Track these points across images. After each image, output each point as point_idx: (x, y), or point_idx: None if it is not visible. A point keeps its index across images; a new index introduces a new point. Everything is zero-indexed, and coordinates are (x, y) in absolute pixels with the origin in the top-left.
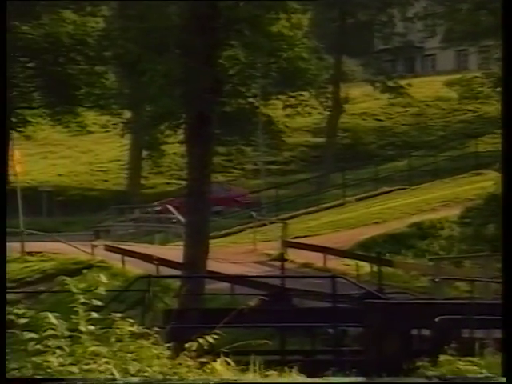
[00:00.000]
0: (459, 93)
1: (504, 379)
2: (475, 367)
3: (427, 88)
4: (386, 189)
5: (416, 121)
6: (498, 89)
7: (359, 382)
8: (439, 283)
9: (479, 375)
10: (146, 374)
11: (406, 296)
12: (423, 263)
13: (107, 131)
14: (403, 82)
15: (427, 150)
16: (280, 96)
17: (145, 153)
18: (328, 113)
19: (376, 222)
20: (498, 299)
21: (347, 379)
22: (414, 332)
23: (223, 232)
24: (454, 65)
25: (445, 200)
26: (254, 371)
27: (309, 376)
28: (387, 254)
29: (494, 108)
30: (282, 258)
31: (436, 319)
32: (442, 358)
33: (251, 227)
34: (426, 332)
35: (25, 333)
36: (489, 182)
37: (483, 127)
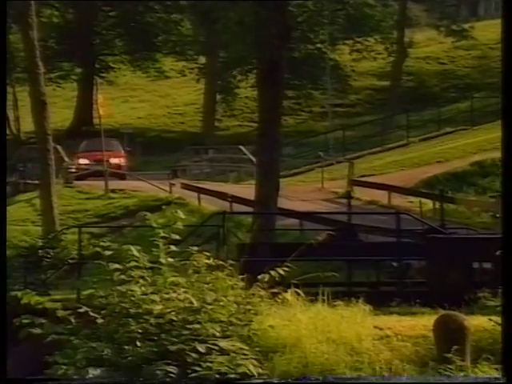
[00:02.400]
0: None
1: (504, 379)
2: None
3: (490, 31)
4: (449, 129)
5: (479, 63)
6: None
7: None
8: (499, 218)
9: None
10: (221, 303)
11: (467, 231)
12: (484, 200)
13: (184, 76)
14: (466, 26)
15: (489, 92)
16: (347, 42)
17: (219, 97)
18: (393, 57)
19: (439, 161)
20: None
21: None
22: (476, 265)
23: (293, 171)
24: None
25: None
26: (323, 301)
27: (374, 306)
28: (449, 192)
29: None
30: (348, 196)
31: (497, 253)
32: (502, 289)
33: (319, 167)
34: (487, 265)
35: (110, 264)
36: None
37: None
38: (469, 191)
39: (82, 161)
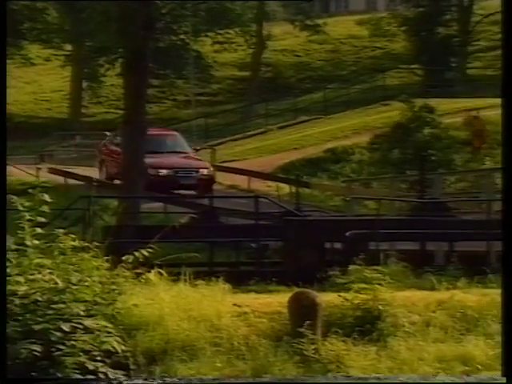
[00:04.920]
0: (369, 31)
1: (504, 379)
2: (379, 275)
3: (340, 26)
4: (304, 118)
5: (331, 57)
6: (403, 28)
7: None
8: (350, 202)
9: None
10: (86, 283)
11: (320, 213)
12: (336, 184)
13: (50, 62)
14: (319, 21)
15: (341, 83)
16: (209, 33)
17: (85, 84)
18: (252, 49)
19: (295, 148)
20: (400, 215)
21: (351, 379)
22: (328, 245)
23: None
24: (365, 5)
25: (356, 128)
26: (185, 281)
27: (234, 285)
28: (305, 177)
29: (399, 45)
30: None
31: (347, 234)
32: (351, 267)
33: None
34: (338, 245)
35: None
36: (394, 111)
37: (390, 62)
38: (322, 176)
39: None
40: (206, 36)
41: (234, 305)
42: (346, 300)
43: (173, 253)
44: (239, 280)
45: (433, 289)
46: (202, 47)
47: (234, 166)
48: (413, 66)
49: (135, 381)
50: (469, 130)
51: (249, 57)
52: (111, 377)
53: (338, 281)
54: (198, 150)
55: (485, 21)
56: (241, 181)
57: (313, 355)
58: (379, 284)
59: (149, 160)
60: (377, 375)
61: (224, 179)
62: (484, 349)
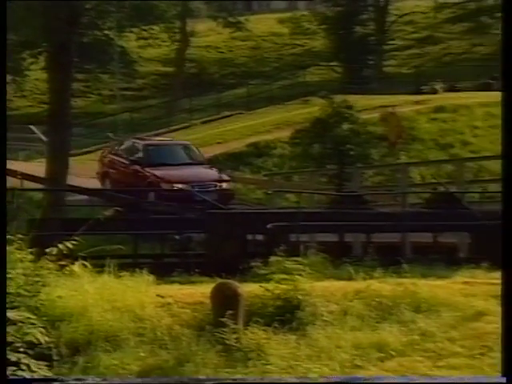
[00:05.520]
0: (290, 29)
1: (504, 379)
2: (299, 266)
3: (263, 24)
4: (227, 113)
5: (253, 53)
6: (323, 26)
7: (355, 383)
8: (272, 195)
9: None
10: (9, 275)
11: (243, 206)
12: (259, 178)
13: None
14: (242, 18)
15: (263, 80)
16: (133, 29)
17: (9, 78)
18: (176, 45)
19: (218, 143)
20: (320, 208)
21: (351, 379)
22: (250, 237)
23: (83, 150)
24: (286, 4)
25: (278, 123)
26: (109, 273)
27: (158, 276)
28: (228, 170)
29: (319, 43)
30: None
31: (268, 226)
32: (272, 258)
33: (108, 146)
34: (259, 237)
35: None
36: (315, 107)
37: (310, 60)
38: (245, 170)
39: None
40: (131, 32)
41: (158, 296)
42: (267, 290)
43: (97, 245)
44: (163, 271)
45: (350, 279)
46: (126, 43)
47: None
48: (332, 64)
49: (135, 380)
50: (385, 126)
51: (173, 53)
52: (34, 369)
53: (259, 272)
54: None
55: (400, 21)
56: None
57: (234, 344)
58: (299, 275)
59: (161, 172)
60: (377, 375)
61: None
62: (398, 336)
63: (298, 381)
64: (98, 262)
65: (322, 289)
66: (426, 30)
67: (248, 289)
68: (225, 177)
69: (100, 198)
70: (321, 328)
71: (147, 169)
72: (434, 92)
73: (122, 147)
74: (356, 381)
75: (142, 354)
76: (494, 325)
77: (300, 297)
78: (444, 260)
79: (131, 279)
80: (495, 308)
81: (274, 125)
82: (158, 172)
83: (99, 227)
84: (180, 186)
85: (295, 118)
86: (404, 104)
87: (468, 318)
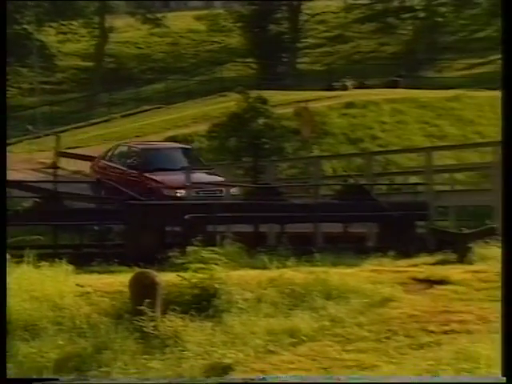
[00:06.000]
0: (207, 26)
1: (504, 379)
2: (216, 255)
3: (180, 21)
4: (146, 107)
5: (171, 49)
6: (239, 24)
7: (361, 383)
8: (188, 186)
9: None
10: None
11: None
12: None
13: None
14: (160, 15)
15: (181, 75)
16: (52, 24)
17: None
18: (95, 40)
19: (137, 136)
20: (236, 199)
21: (351, 379)
22: (168, 228)
23: None
24: (203, 3)
25: (195, 117)
26: (28, 263)
27: (77, 266)
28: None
29: (235, 40)
30: (54, 166)
31: (185, 217)
32: (189, 248)
33: (28, 139)
34: (177, 228)
35: None
36: (231, 102)
37: (227, 56)
38: None
39: None
40: (50, 26)
41: (77, 285)
42: (184, 279)
43: (17, 236)
44: (82, 261)
45: (265, 268)
46: (45, 37)
47: (79, 152)
48: (248, 60)
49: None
50: (298, 121)
51: (92, 48)
52: None
53: (176, 261)
54: (39, 138)
55: (312, 20)
56: (85, 167)
57: (152, 331)
58: (215, 264)
59: (161, 178)
60: (377, 375)
61: (69, 165)
62: (309, 322)
63: (298, 381)
64: (17, 253)
65: (237, 277)
66: (336, 29)
67: (166, 278)
68: (228, 182)
69: (20, 190)
70: (236, 315)
71: (146, 174)
72: (345, 88)
73: (116, 152)
74: (356, 381)
75: (61, 343)
76: (399, 310)
77: (216, 285)
78: (353, 249)
79: (50, 269)
80: (400, 294)
81: (192, 119)
82: (159, 177)
83: (19, 218)
84: (183, 192)
85: (212, 113)
86: (316, 100)
87: (375, 304)
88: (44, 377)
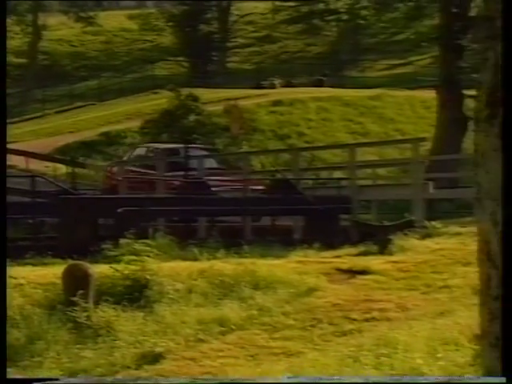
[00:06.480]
0: (139, 25)
1: (504, 379)
2: (148, 247)
3: (113, 20)
4: (80, 104)
5: (104, 47)
6: (170, 23)
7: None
8: (122, 181)
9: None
10: None
11: (95, 192)
12: (107, 165)
13: None
14: (92, 14)
15: (114, 73)
16: None
17: None
18: (28, 38)
19: (71, 132)
20: (168, 193)
21: (351, 379)
22: (101, 221)
23: None
24: (135, 3)
25: (128, 114)
26: None
27: (12, 259)
28: (80, 158)
29: (167, 39)
30: None
31: (118, 210)
32: (122, 241)
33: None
34: (110, 221)
35: None
36: (163, 99)
37: (159, 54)
38: (97, 158)
39: None
40: None
41: (10, 277)
42: (117, 271)
43: None
44: (16, 254)
45: (195, 259)
46: None
47: (12, 147)
48: (179, 59)
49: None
50: (228, 117)
51: (25, 45)
52: None
53: (109, 253)
54: None
55: (241, 20)
56: (19, 161)
57: (85, 322)
58: (147, 256)
59: (185, 179)
60: (377, 376)
61: None
62: (238, 311)
63: (298, 381)
64: None
65: (168, 269)
66: (264, 30)
67: (98, 269)
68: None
69: None
70: (167, 305)
71: (168, 175)
72: (273, 87)
73: (133, 155)
74: (356, 381)
75: None
76: (323, 299)
77: (148, 276)
78: (281, 241)
79: None
80: (325, 284)
81: (125, 115)
82: (182, 178)
83: None
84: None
85: (144, 109)
86: (246, 97)
87: (301, 294)
88: (44, 377)
